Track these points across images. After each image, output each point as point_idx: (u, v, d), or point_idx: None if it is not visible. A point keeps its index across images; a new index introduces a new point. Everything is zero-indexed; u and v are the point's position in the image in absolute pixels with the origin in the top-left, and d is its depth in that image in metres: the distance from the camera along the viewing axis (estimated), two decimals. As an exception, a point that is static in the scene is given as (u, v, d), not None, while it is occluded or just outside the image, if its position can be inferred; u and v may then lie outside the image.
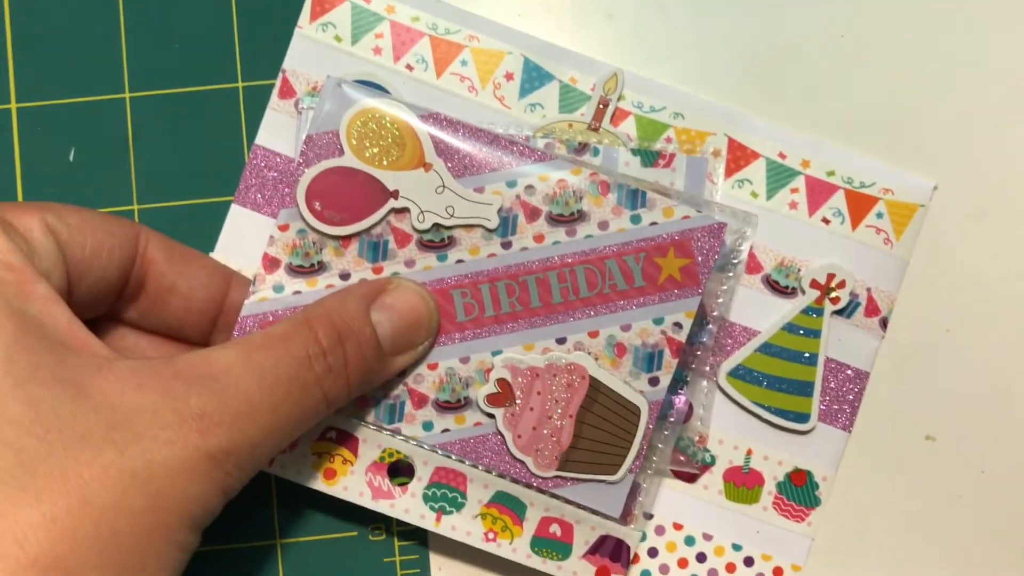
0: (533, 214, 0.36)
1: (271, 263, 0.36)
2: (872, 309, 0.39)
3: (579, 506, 0.37)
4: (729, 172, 0.39)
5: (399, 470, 0.37)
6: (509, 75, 0.39)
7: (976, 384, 0.40)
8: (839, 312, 0.39)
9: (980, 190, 0.40)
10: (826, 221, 0.39)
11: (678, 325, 0.36)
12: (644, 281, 0.36)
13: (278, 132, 0.39)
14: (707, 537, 0.39)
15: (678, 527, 0.39)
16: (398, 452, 0.37)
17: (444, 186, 0.36)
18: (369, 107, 0.36)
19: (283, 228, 0.36)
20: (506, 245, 0.36)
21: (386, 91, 0.39)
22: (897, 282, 0.40)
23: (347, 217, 0.36)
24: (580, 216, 0.36)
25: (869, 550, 0.40)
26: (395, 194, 0.36)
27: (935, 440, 0.40)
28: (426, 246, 0.36)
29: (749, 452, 0.39)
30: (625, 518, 0.37)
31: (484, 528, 0.37)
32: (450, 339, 0.36)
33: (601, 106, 0.39)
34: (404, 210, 0.36)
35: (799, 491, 0.39)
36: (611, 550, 0.37)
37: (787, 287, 0.39)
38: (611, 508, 0.37)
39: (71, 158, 0.40)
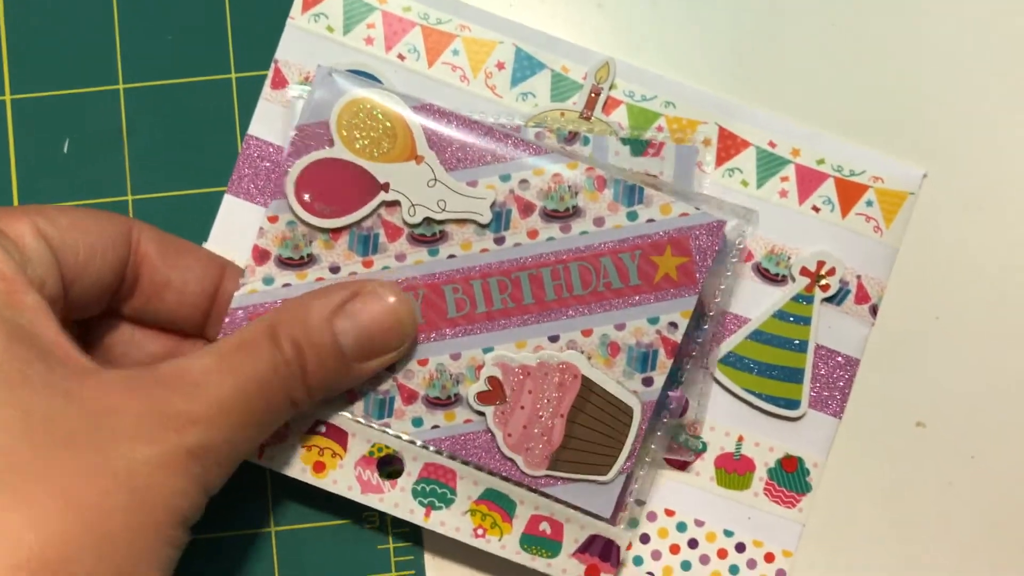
0: (527, 209, 0.36)
1: (261, 255, 0.36)
2: (862, 296, 0.40)
3: (569, 505, 0.37)
4: (719, 161, 0.40)
5: (388, 465, 0.37)
6: (501, 64, 0.40)
7: (966, 371, 0.40)
8: (829, 299, 0.40)
9: (970, 178, 0.41)
10: (816, 209, 0.40)
11: (673, 325, 0.36)
12: (640, 279, 0.36)
13: (271, 122, 0.39)
14: (699, 523, 0.40)
15: (670, 513, 0.40)
16: (387, 447, 0.37)
17: (436, 179, 0.35)
18: (360, 97, 0.35)
19: (272, 220, 0.36)
20: (499, 240, 0.36)
21: (378, 80, 0.39)
22: (887, 269, 0.40)
23: (337, 209, 0.36)
24: (575, 212, 0.36)
25: (860, 536, 0.40)
26: (386, 187, 0.35)
27: (925, 427, 0.40)
28: (417, 240, 0.36)
29: (740, 439, 0.40)
30: (615, 519, 0.37)
31: (473, 524, 0.37)
32: (441, 335, 0.36)
33: (592, 95, 0.39)
34: (395, 203, 0.36)
35: (790, 477, 0.40)
36: (601, 549, 0.37)
37: (777, 275, 0.40)
38: (601, 508, 0.37)
39: (65, 149, 0.40)
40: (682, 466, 0.39)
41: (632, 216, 0.36)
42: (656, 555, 0.39)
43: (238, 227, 0.39)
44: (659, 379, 0.36)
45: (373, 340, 0.34)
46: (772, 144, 0.40)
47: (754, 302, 0.40)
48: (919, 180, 0.40)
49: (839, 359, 0.40)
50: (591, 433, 0.36)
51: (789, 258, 0.39)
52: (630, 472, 0.37)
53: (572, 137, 0.39)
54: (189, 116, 0.40)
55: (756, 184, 0.40)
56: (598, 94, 0.39)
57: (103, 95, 0.40)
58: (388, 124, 0.35)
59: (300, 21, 0.40)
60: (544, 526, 0.37)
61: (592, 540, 0.37)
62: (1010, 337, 0.41)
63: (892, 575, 0.40)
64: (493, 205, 0.36)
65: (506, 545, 0.37)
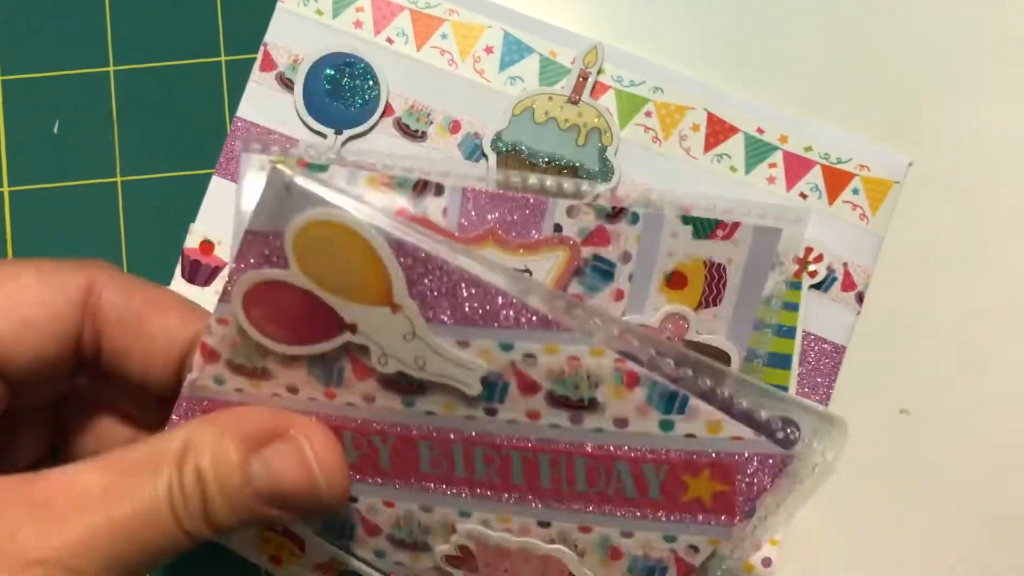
0: (529, 388, 0.28)
1: (210, 354, 0.30)
2: (848, 284, 0.40)
3: None
4: (708, 147, 0.40)
5: None
6: (489, 49, 0.40)
7: (950, 359, 0.40)
8: (816, 286, 0.40)
9: (956, 168, 0.41)
10: (804, 196, 0.40)
11: (694, 548, 0.29)
12: (661, 495, 0.29)
13: (259, 104, 0.40)
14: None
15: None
16: (347, 567, 0.32)
17: (415, 334, 0.28)
18: (325, 220, 0.27)
19: (222, 322, 0.29)
20: (490, 411, 0.29)
21: (368, 71, 0.39)
22: (873, 257, 0.40)
23: (293, 338, 0.29)
24: (591, 405, 0.28)
25: (844, 522, 0.40)
26: (352, 328, 0.28)
27: (909, 413, 0.40)
28: (390, 386, 0.29)
29: (727, 425, 0.40)
30: None
31: None
32: (411, 487, 0.30)
33: (581, 79, 0.39)
34: (363, 347, 0.29)
35: (776, 464, 0.40)
36: None
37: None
38: None
39: (55, 130, 0.40)
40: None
41: (666, 426, 0.28)
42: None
43: (226, 208, 0.39)
44: None
45: (281, 495, 0.29)
46: (760, 130, 0.40)
47: (741, 288, 0.40)
48: (904, 169, 0.40)
49: (826, 346, 0.40)
50: None
51: (776, 244, 0.40)
52: None
53: (617, 213, 0.34)
54: (179, 98, 0.40)
55: (744, 170, 0.40)
56: (586, 78, 0.39)
57: (93, 77, 0.40)
58: (358, 259, 0.28)
59: (289, 4, 0.40)
60: None
61: None
62: (995, 326, 0.41)
63: (876, 562, 0.40)
64: (485, 378, 0.28)
65: None
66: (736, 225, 0.33)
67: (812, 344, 0.40)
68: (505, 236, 0.35)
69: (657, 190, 0.33)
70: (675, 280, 0.35)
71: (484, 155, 0.39)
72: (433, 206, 0.36)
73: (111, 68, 0.41)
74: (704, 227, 0.33)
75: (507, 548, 0.30)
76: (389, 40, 0.40)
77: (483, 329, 0.28)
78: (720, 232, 0.33)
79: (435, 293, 0.28)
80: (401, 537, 0.31)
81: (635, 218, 0.34)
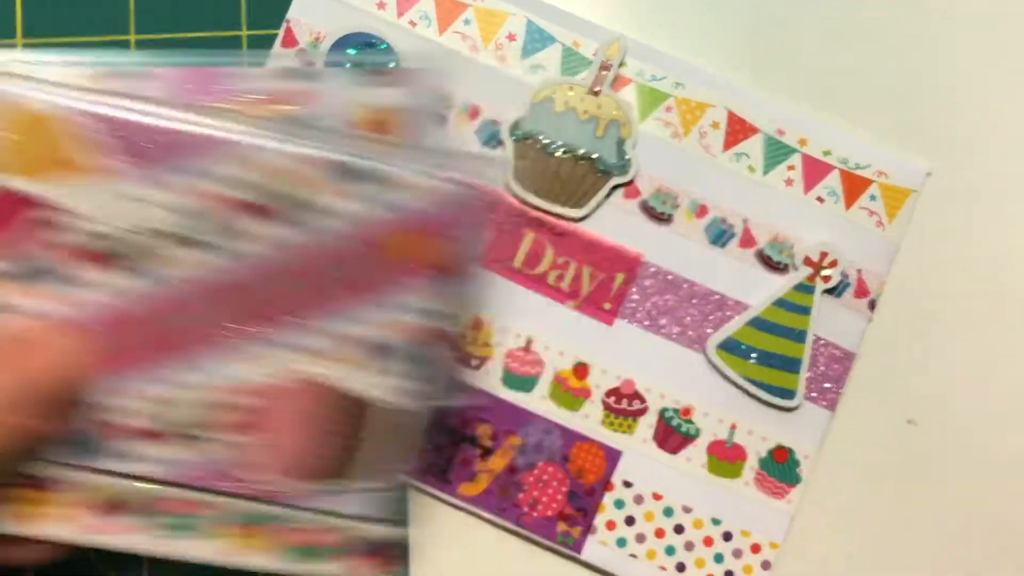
0: (233, 208, 0.29)
1: None
2: (861, 290, 0.40)
3: (342, 515, 0.32)
4: (727, 145, 0.40)
5: (118, 509, 0.31)
6: (512, 36, 0.40)
7: (959, 371, 0.40)
8: (829, 291, 0.39)
9: (974, 178, 0.41)
10: (820, 200, 0.40)
11: (431, 312, 0.30)
12: (383, 270, 0.30)
13: (279, 80, 0.39)
14: (687, 509, 0.39)
15: (658, 497, 0.39)
16: (107, 488, 0.30)
17: (107, 190, 0.28)
18: None
19: None
20: (202, 247, 0.29)
21: (389, 53, 0.39)
22: (887, 265, 0.40)
23: None
24: (296, 204, 0.29)
25: (847, 530, 0.40)
26: (40, 204, 0.28)
27: (916, 424, 0.40)
28: (97, 260, 0.29)
29: (733, 426, 0.39)
30: (401, 523, 0.32)
31: (233, 545, 0.31)
32: (148, 363, 0.29)
33: (602, 71, 0.39)
34: (58, 223, 0.28)
35: (780, 468, 0.39)
36: (385, 549, 0.33)
37: (779, 263, 0.39)
38: (387, 513, 0.32)
39: (72, 98, 0.40)
40: (675, 449, 0.39)
41: (365, 198, 0.29)
42: (640, 538, 0.39)
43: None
44: (427, 373, 0.31)
45: (39, 397, 0.28)
46: (780, 132, 0.40)
47: (755, 288, 0.39)
48: (923, 178, 0.40)
49: (836, 352, 0.40)
50: (348, 440, 0.31)
51: (792, 247, 0.39)
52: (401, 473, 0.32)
53: (300, 72, 0.33)
54: (198, 71, 0.40)
55: (763, 170, 0.39)
56: (607, 70, 0.39)
57: (114, 45, 0.40)
58: (35, 126, 0.27)
59: (313, -19, 0.40)
60: (316, 537, 0.32)
61: (375, 544, 0.32)
62: (1006, 340, 0.40)
63: (882, 569, 0.40)
64: (188, 212, 0.29)
65: (273, 558, 0.32)
66: (405, 71, 0.33)
67: (822, 349, 0.39)
68: (193, 99, 0.34)
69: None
70: (369, 127, 0.33)
71: (501, 142, 0.39)
72: (117, 83, 0.33)
73: (132, 36, 0.40)
74: (376, 73, 0.32)
75: (267, 384, 0.30)
76: (412, 23, 0.39)
77: (175, 164, 0.29)
78: (390, 77, 0.33)
79: (121, 141, 0.28)
80: (155, 427, 0.30)
81: (316, 75, 0.33)
